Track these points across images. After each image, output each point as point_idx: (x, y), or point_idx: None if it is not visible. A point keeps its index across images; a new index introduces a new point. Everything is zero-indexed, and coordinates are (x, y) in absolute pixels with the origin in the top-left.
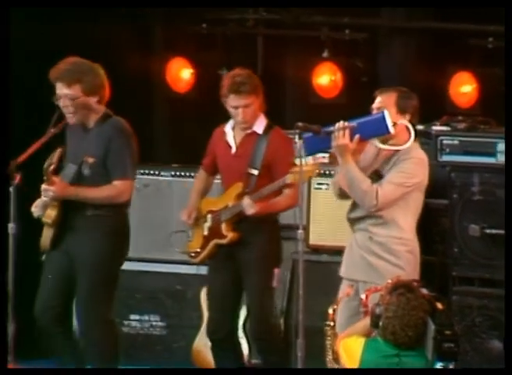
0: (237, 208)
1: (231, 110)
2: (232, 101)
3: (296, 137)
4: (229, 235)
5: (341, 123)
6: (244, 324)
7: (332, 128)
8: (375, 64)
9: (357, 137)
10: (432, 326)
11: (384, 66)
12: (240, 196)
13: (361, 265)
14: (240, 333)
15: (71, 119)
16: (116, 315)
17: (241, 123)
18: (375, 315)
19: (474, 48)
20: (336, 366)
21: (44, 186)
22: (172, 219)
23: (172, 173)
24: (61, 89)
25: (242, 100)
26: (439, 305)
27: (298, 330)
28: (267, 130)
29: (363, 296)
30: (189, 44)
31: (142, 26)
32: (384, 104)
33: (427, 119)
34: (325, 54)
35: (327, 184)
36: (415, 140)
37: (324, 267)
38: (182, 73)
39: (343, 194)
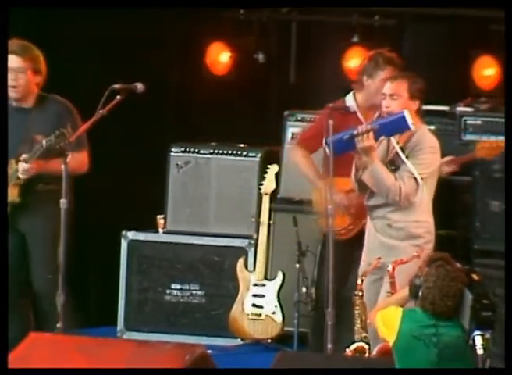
0: None
1: (379, 84)
2: (386, 73)
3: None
4: None
5: (364, 127)
6: (279, 292)
7: (355, 132)
8: (403, 49)
9: (381, 138)
10: (469, 297)
11: (411, 50)
12: None
13: (383, 248)
14: (275, 302)
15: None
16: (159, 284)
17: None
18: (414, 285)
19: (496, 33)
20: (364, 334)
21: (24, 165)
22: (210, 194)
23: (211, 150)
24: (13, 62)
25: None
26: (476, 277)
27: (328, 299)
28: None
29: (389, 268)
30: (227, 29)
31: (182, 12)
32: (396, 91)
33: (452, 101)
34: (355, 39)
35: None
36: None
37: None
38: (220, 57)
39: (362, 189)
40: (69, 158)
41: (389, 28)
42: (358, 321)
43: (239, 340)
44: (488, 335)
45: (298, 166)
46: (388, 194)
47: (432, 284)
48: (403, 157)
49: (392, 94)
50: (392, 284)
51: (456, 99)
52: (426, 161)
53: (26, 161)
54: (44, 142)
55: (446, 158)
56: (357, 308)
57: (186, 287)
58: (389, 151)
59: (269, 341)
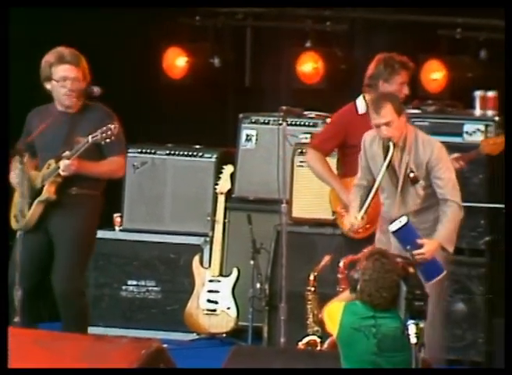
0: None
1: (396, 87)
2: (402, 78)
3: (281, 119)
4: None
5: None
6: (233, 288)
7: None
8: (353, 53)
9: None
10: (404, 288)
11: (361, 54)
12: None
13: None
14: (230, 297)
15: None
16: (115, 280)
17: (402, 100)
18: (353, 279)
19: (444, 38)
20: (316, 328)
21: (66, 161)
22: (166, 193)
23: (167, 151)
24: (70, 71)
25: (410, 75)
26: (411, 269)
27: (282, 295)
28: None
29: (341, 264)
30: (183, 34)
31: (141, 17)
32: (388, 118)
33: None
34: (308, 44)
35: None
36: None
37: (305, 237)
38: (177, 61)
39: None
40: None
41: (341, 33)
42: (310, 315)
43: (194, 334)
44: (422, 324)
45: (314, 169)
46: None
47: (368, 277)
48: (423, 170)
49: (387, 122)
50: (343, 280)
51: (405, 102)
52: (447, 163)
53: (68, 158)
54: (89, 137)
55: (454, 155)
56: (310, 302)
57: (143, 283)
58: (396, 172)
59: (224, 335)
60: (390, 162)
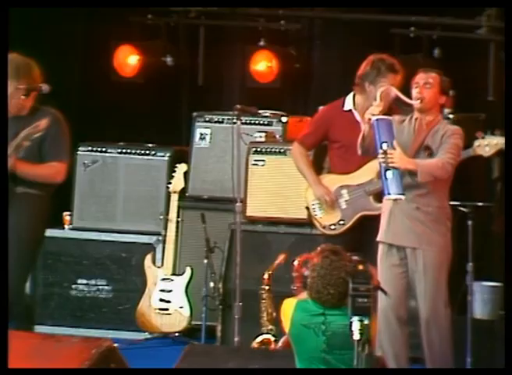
0: None
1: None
2: (388, 81)
3: (235, 118)
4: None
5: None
6: (187, 287)
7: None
8: (308, 52)
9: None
10: (350, 285)
11: (316, 53)
12: None
13: (408, 232)
14: (183, 296)
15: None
16: (64, 279)
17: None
18: (303, 276)
19: (397, 37)
20: (270, 327)
21: (9, 160)
22: (117, 192)
23: (119, 150)
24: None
25: (397, 78)
26: (360, 267)
27: (236, 294)
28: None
29: (295, 262)
30: (135, 33)
31: (93, 15)
32: (431, 81)
33: None
34: (262, 43)
35: (263, 161)
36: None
37: (259, 236)
38: (129, 59)
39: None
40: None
41: (295, 32)
42: (264, 314)
43: (146, 333)
44: (366, 321)
45: (296, 163)
46: (442, 175)
47: (316, 274)
48: (437, 141)
49: (426, 82)
50: (297, 278)
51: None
52: (459, 143)
53: (10, 156)
54: (21, 133)
55: None
56: (264, 301)
57: (93, 282)
58: (420, 134)
59: (177, 334)
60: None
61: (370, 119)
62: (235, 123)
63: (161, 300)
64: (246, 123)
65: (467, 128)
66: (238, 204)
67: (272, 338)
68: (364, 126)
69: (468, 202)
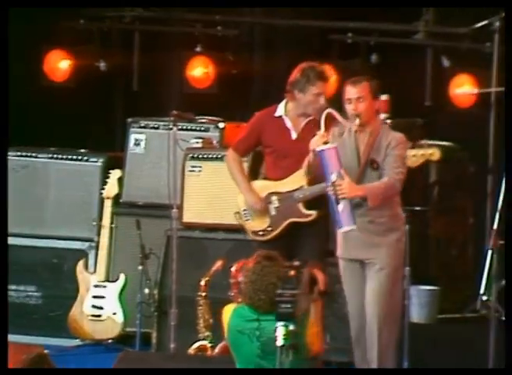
0: (318, 188)
1: (311, 98)
2: (317, 89)
3: (171, 124)
4: (312, 213)
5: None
6: (121, 294)
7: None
8: (246, 57)
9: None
10: (277, 291)
11: (254, 59)
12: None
13: (366, 245)
14: (116, 303)
15: None
16: None
17: (317, 110)
18: (238, 282)
19: (334, 43)
20: (206, 333)
21: None
22: (48, 198)
23: (49, 155)
24: None
25: (326, 86)
26: (291, 273)
27: (172, 300)
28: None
29: (233, 268)
30: (67, 37)
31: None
32: (361, 93)
33: None
34: (198, 48)
35: (200, 167)
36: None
37: (196, 243)
38: (60, 64)
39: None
40: None
41: (232, 38)
42: (201, 321)
43: (77, 340)
44: (292, 327)
45: (229, 169)
46: (394, 194)
47: (247, 279)
48: (381, 155)
49: (358, 97)
50: (235, 284)
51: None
52: (403, 154)
53: None
54: None
55: None
56: (200, 308)
57: (22, 288)
58: (365, 150)
59: (110, 341)
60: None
61: (314, 150)
62: (171, 129)
63: (94, 306)
64: (182, 129)
65: (404, 133)
66: (174, 210)
67: (209, 345)
68: (309, 155)
69: (405, 207)
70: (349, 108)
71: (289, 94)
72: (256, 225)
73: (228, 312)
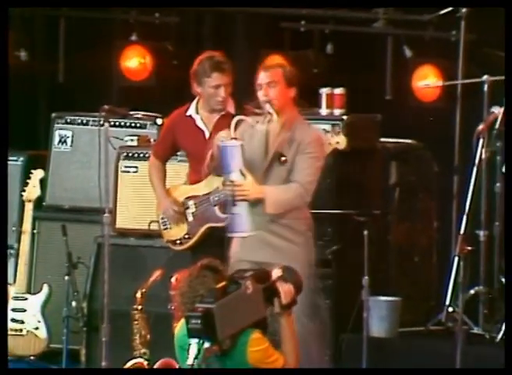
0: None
1: (209, 90)
2: (214, 81)
3: (102, 120)
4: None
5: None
6: (44, 306)
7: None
8: (187, 48)
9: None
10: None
11: (196, 49)
12: None
13: (263, 246)
14: (39, 317)
15: None
16: None
17: (219, 104)
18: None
19: (287, 31)
20: (143, 350)
21: None
22: None
23: None
24: None
25: (225, 78)
26: (220, 285)
27: (104, 314)
28: (240, 111)
29: (173, 279)
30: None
31: None
32: (273, 78)
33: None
34: (134, 37)
35: (135, 167)
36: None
37: (131, 251)
38: None
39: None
40: None
41: (172, 26)
42: (137, 336)
43: None
44: (207, 345)
45: (148, 175)
46: (299, 204)
47: (178, 291)
48: (292, 151)
49: (269, 82)
50: (174, 297)
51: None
52: (317, 154)
53: None
54: None
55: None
56: (136, 322)
57: None
58: (274, 142)
59: (32, 358)
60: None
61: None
62: (102, 125)
63: (14, 320)
64: (115, 126)
65: (362, 130)
66: (106, 215)
67: (145, 362)
68: (213, 148)
69: (364, 210)
70: (260, 94)
71: (194, 91)
72: (174, 233)
73: (179, 326)
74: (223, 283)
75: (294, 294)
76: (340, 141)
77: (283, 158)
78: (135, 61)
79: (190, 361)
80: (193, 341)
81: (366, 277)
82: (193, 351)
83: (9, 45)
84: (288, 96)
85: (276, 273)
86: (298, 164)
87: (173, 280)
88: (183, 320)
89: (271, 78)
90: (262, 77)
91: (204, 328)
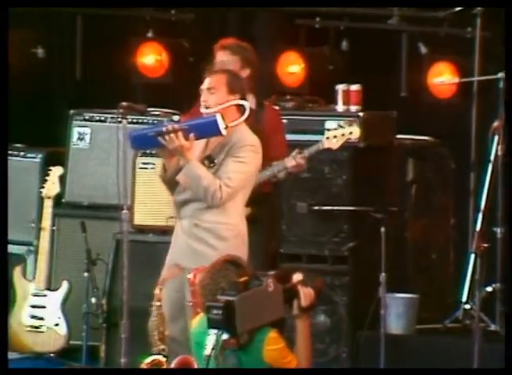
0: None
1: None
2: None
3: (120, 117)
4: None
5: (171, 126)
6: (63, 303)
7: (162, 128)
8: (203, 44)
9: (191, 136)
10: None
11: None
12: None
13: (188, 251)
14: (58, 313)
15: None
16: None
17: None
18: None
19: (302, 28)
20: (161, 347)
21: None
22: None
23: None
24: None
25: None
26: (242, 279)
27: (123, 311)
28: (260, 105)
29: (190, 275)
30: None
31: None
32: (214, 84)
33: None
34: (150, 34)
35: (153, 164)
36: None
37: (149, 247)
38: None
39: (172, 189)
40: None
41: (188, 23)
42: (155, 333)
43: (15, 354)
44: (225, 336)
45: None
46: (206, 195)
47: (200, 284)
48: (223, 154)
49: (209, 88)
50: (194, 293)
51: (262, 97)
52: (247, 159)
53: None
54: None
55: (293, 153)
56: (155, 319)
57: None
58: (207, 147)
59: (52, 354)
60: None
61: None
62: (120, 122)
63: (33, 317)
64: (133, 123)
65: (378, 127)
66: (124, 211)
67: (164, 359)
68: None
69: (381, 207)
70: (201, 98)
71: None
72: None
73: (195, 322)
74: (245, 278)
75: (314, 298)
76: (353, 132)
77: (211, 161)
78: (151, 58)
79: (207, 351)
80: (212, 332)
81: (383, 274)
82: (211, 342)
83: (27, 43)
84: (225, 105)
85: (297, 276)
86: (224, 165)
87: (191, 276)
88: (199, 317)
89: (211, 84)
90: (204, 83)
91: (224, 319)
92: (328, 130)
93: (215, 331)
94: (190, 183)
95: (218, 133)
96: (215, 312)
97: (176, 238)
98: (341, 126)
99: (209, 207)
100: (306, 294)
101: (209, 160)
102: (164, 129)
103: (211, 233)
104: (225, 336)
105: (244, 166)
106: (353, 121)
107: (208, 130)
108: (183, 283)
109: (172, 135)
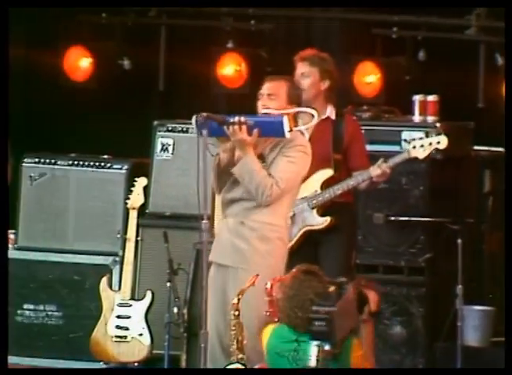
0: (332, 192)
1: None
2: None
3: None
4: (326, 220)
5: (237, 118)
6: (147, 313)
7: (229, 119)
8: (281, 54)
9: (255, 131)
10: (312, 308)
11: (289, 56)
12: (329, 182)
13: (230, 249)
14: (142, 323)
15: None
16: (9, 304)
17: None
18: (273, 300)
19: (378, 38)
20: (240, 356)
21: None
22: (68, 208)
23: (70, 162)
24: None
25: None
26: (331, 289)
27: (202, 320)
28: (340, 115)
29: (268, 285)
30: (87, 33)
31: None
32: (274, 91)
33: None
34: (230, 44)
35: None
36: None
37: None
38: (80, 62)
39: (222, 183)
40: None
41: (267, 33)
42: (234, 342)
43: (101, 363)
44: (327, 347)
45: None
46: (257, 191)
47: (284, 295)
48: (274, 153)
49: (270, 94)
50: (271, 303)
51: (338, 107)
52: (296, 159)
53: None
54: None
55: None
56: (233, 328)
57: (41, 307)
58: (257, 146)
59: (136, 364)
60: None
61: None
62: (202, 133)
63: (118, 327)
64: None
65: (455, 137)
66: (204, 221)
67: (243, 368)
68: None
69: (458, 219)
70: (259, 104)
71: None
72: None
73: (267, 332)
74: (334, 288)
75: (379, 302)
76: (441, 141)
77: (262, 162)
78: (231, 68)
79: (312, 363)
80: (314, 343)
81: (460, 286)
82: (314, 354)
83: (112, 54)
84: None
85: (361, 281)
86: (275, 165)
87: (268, 285)
88: (273, 326)
89: (272, 90)
90: (265, 87)
91: (328, 330)
92: (414, 139)
93: (317, 342)
94: (244, 176)
95: (281, 134)
96: (317, 323)
97: (219, 237)
98: (428, 136)
99: (257, 207)
100: (374, 299)
101: (261, 159)
102: (231, 119)
103: (255, 233)
104: (327, 347)
105: (294, 166)
106: (440, 130)
107: (273, 129)
108: (225, 282)
109: (236, 127)
